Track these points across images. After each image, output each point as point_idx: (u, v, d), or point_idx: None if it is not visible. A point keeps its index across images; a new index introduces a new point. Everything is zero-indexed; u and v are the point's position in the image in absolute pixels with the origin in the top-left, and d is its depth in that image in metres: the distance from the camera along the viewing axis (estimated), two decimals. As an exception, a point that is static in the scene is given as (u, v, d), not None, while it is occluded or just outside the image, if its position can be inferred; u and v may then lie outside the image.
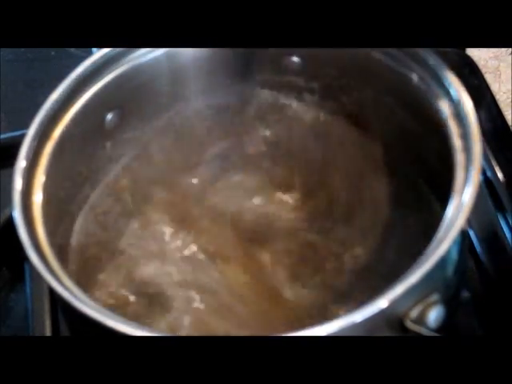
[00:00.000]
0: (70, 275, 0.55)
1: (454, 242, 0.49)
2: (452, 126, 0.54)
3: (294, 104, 0.68)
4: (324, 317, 0.60)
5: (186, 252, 0.66)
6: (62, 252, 0.56)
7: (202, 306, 0.62)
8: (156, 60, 0.63)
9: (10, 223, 0.55)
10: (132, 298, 0.63)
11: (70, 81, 0.60)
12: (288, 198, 0.68)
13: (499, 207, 0.67)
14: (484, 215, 0.65)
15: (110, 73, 0.61)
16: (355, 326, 0.46)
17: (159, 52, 0.63)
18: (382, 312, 0.47)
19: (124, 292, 0.63)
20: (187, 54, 0.64)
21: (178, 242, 0.66)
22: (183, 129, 0.68)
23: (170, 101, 0.66)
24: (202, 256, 0.66)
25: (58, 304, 0.62)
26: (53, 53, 0.85)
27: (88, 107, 0.60)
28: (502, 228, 0.66)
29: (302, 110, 0.68)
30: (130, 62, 0.62)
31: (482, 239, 0.64)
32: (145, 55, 0.63)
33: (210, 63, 0.65)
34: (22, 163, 0.56)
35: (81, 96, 0.60)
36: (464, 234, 0.58)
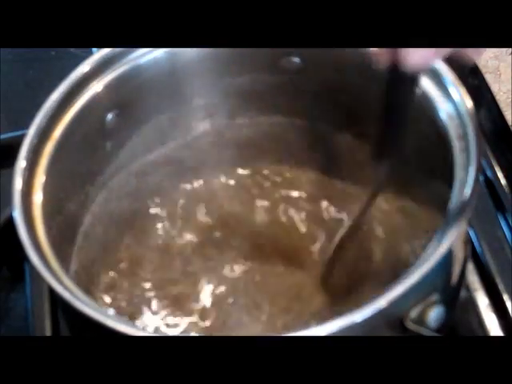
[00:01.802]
0: (71, 275, 0.56)
1: (454, 242, 0.49)
2: (452, 126, 0.54)
3: (294, 104, 0.68)
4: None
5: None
6: (62, 252, 0.56)
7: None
8: (156, 60, 0.63)
9: (10, 223, 0.55)
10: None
11: (70, 81, 0.60)
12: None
13: (499, 207, 0.67)
14: (484, 215, 0.65)
15: (110, 73, 0.61)
16: (355, 325, 0.46)
17: (159, 52, 0.63)
18: (382, 312, 0.47)
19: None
20: (187, 53, 0.64)
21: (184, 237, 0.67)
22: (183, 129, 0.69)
23: (170, 101, 0.66)
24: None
25: (58, 304, 0.62)
26: (53, 53, 0.84)
27: (88, 107, 0.61)
28: (501, 228, 0.66)
29: (301, 109, 0.68)
30: (130, 62, 0.62)
31: (482, 239, 0.64)
32: (145, 55, 0.63)
33: (210, 63, 0.65)
34: (21, 163, 0.56)
35: (81, 96, 0.60)
36: (464, 235, 0.58)
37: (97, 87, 0.61)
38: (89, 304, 0.50)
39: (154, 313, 0.62)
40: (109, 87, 0.61)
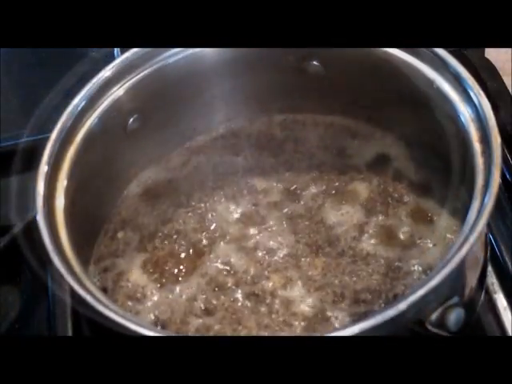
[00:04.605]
0: (93, 278, 0.56)
1: (474, 245, 0.49)
2: (472, 129, 0.55)
3: (316, 107, 0.69)
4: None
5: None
6: (84, 255, 0.57)
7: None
8: (176, 64, 0.64)
9: (32, 226, 0.55)
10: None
11: (91, 86, 0.61)
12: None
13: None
14: (503, 218, 0.65)
15: (131, 78, 0.62)
16: (376, 328, 0.46)
17: (179, 56, 0.63)
18: (403, 315, 0.47)
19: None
20: (207, 57, 0.65)
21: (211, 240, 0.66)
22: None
23: (191, 104, 0.67)
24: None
25: (80, 306, 0.62)
26: (75, 57, 0.84)
27: (110, 112, 0.61)
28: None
29: (323, 112, 0.69)
30: (150, 66, 0.63)
31: (501, 242, 0.64)
32: (165, 60, 0.63)
33: (229, 66, 0.66)
34: (44, 167, 0.57)
35: (103, 101, 0.61)
36: (484, 238, 0.58)
37: (118, 92, 0.62)
38: (111, 308, 0.50)
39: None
40: (130, 92, 0.62)
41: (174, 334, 0.48)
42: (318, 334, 0.47)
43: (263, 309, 0.60)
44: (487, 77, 0.72)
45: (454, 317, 0.49)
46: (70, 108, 0.59)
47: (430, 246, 0.61)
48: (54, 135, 0.58)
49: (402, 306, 0.47)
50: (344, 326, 0.47)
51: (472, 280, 0.54)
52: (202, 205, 0.67)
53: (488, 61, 0.75)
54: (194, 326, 0.59)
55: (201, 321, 0.60)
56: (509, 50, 0.88)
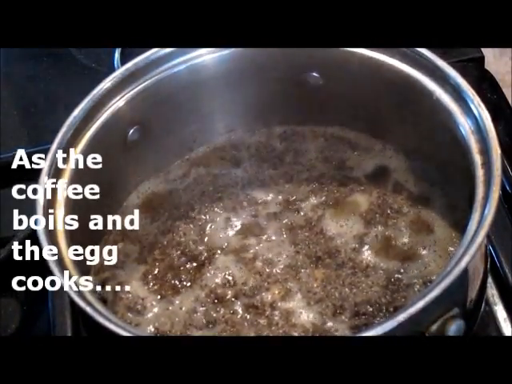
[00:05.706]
0: (92, 289, 0.56)
1: (474, 256, 0.49)
2: (472, 141, 0.55)
3: (316, 119, 0.69)
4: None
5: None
6: (84, 265, 0.57)
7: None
8: (176, 76, 0.64)
9: (33, 237, 0.55)
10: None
11: (92, 97, 0.61)
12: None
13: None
14: (503, 230, 0.65)
15: (131, 89, 0.62)
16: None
17: (180, 67, 0.64)
18: (403, 326, 0.47)
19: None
20: (208, 69, 0.65)
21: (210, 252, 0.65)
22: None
23: (191, 116, 0.67)
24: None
25: (80, 318, 0.62)
26: (75, 68, 0.85)
27: (110, 123, 0.61)
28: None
29: (323, 124, 0.69)
30: (151, 78, 0.63)
31: (501, 254, 0.64)
32: (165, 71, 0.63)
33: (229, 78, 0.66)
34: (44, 178, 0.57)
35: (103, 112, 0.61)
36: (484, 249, 0.58)
37: (118, 103, 0.62)
38: (110, 318, 0.51)
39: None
40: (130, 103, 0.62)
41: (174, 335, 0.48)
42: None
43: (262, 321, 0.60)
44: (487, 88, 0.72)
45: (454, 328, 0.50)
46: (70, 119, 0.59)
47: (430, 257, 0.61)
48: (54, 146, 0.58)
49: (402, 317, 0.47)
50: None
51: (472, 291, 0.54)
52: (202, 216, 0.67)
53: (488, 72, 0.75)
54: (194, 338, 0.59)
55: (201, 333, 0.60)
56: (509, 61, 0.89)
